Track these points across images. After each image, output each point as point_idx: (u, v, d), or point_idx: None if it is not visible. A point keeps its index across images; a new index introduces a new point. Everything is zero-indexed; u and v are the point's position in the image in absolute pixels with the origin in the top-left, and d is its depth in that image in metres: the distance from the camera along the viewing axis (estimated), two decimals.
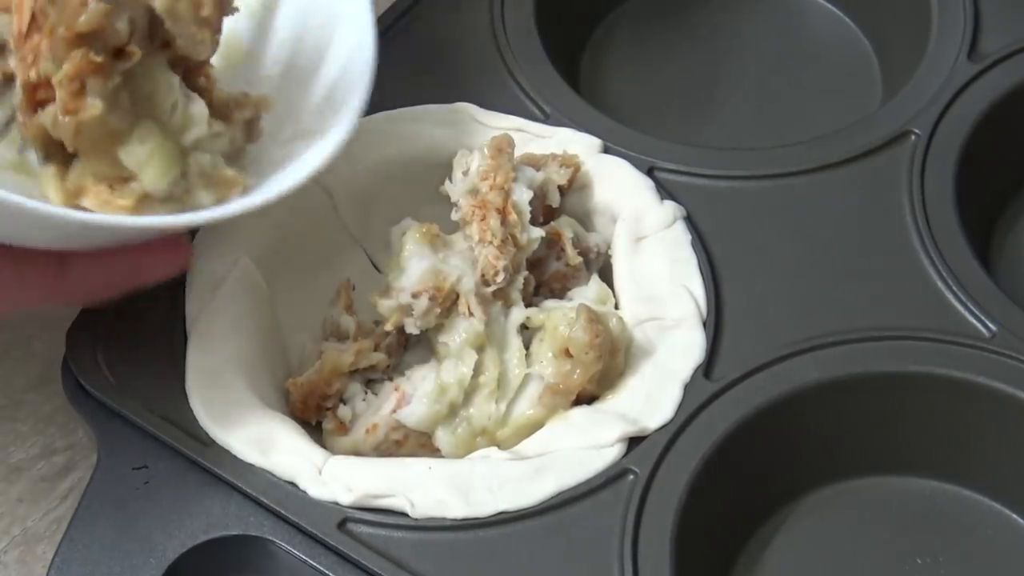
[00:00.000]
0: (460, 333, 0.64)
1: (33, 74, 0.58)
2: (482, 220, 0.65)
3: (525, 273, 0.66)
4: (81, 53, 0.57)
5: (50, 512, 0.69)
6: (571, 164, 0.70)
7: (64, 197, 0.60)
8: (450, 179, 0.68)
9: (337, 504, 0.61)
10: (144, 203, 0.59)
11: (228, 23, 0.61)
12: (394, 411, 0.64)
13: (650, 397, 0.63)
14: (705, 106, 0.81)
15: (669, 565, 0.59)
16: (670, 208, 0.69)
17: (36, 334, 0.74)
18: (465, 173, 0.67)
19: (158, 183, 0.59)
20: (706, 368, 0.64)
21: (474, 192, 0.66)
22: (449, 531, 0.60)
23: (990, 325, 0.65)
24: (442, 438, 0.64)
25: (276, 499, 0.61)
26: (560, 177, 0.69)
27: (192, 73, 0.62)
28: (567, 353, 0.63)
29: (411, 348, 0.67)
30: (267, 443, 0.62)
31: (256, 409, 0.63)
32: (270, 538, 0.61)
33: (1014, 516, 0.65)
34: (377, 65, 0.67)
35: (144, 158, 0.59)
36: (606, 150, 0.71)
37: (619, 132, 0.72)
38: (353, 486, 0.61)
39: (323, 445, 0.64)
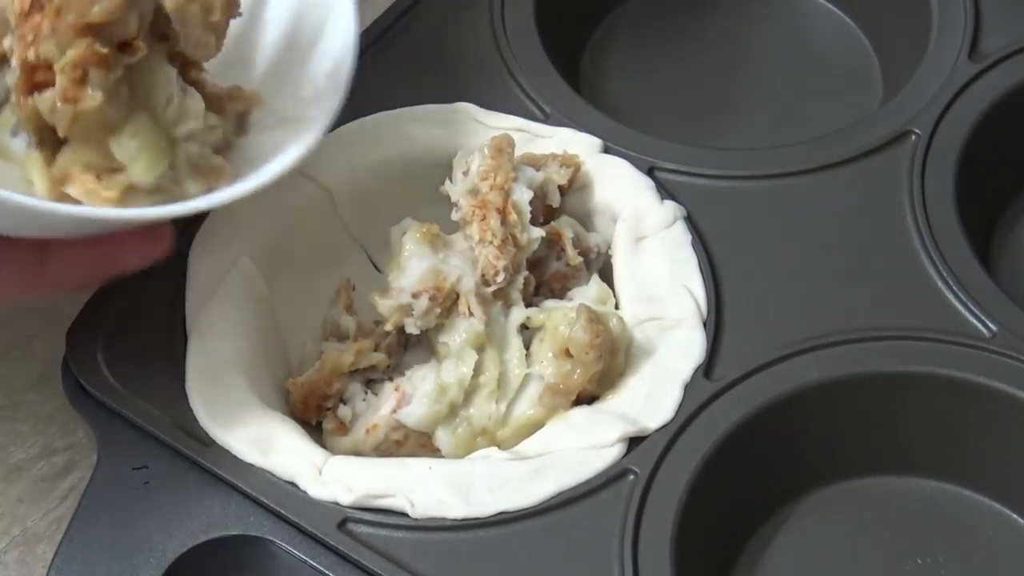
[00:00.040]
0: (460, 333, 0.64)
1: (32, 54, 0.57)
2: (482, 220, 0.65)
3: (525, 273, 0.66)
4: (87, 43, 0.57)
5: (50, 512, 0.69)
6: (571, 164, 0.70)
7: (50, 184, 0.59)
8: (450, 179, 0.68)
9: (337, 504, 0.61)
10: (130, 194, 0.59)
11: None
12: (394, 411, 0.64)
13: (650, 397, 0.63)
14: (705, 106, 0.81)
15: (669, 565, 0.59)
16: (670, 208, 0.69)
17: (36, 334, 0.74)
18: (465, 173, 0.67)
19: (145, 176, 0.59)
20: (706, 368, 0.64)
21: (474, 192, 0.66)
22: (449, 531, 0.60)
23: (990, 325, 0.65)
24: (442, 438, 0.64)
25: (276, 499, 0.61)
26: (560, 177, 0.69)
27: (187, 66, 0.62)
28: (567, 353, 0.63)
29: (411, 348, 0.67)
30: (267, 443, 0.62)
31: (256, 409, 0.63)
32: (270, 538, 0.61)
33: (1014, 516, 0.65)
34: (359, 54, 0.67)
35: (135, 151, 0.59)
36: (606, 150, 0.71)
37: (619, 132, 0.72)
38: (353, 486, 0.61)
39: (323, 445, 0.64)
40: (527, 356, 0.64)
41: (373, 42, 0.76)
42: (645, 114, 0.78)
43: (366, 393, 0.65)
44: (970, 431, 0.64)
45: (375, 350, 0.65)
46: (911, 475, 0.66)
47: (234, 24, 0.63)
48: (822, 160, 0.71)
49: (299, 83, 0.66)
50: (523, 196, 0.66)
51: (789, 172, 0.71)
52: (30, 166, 0.60)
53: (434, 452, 0.64)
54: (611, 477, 0.61)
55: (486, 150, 0.67)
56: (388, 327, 0.65)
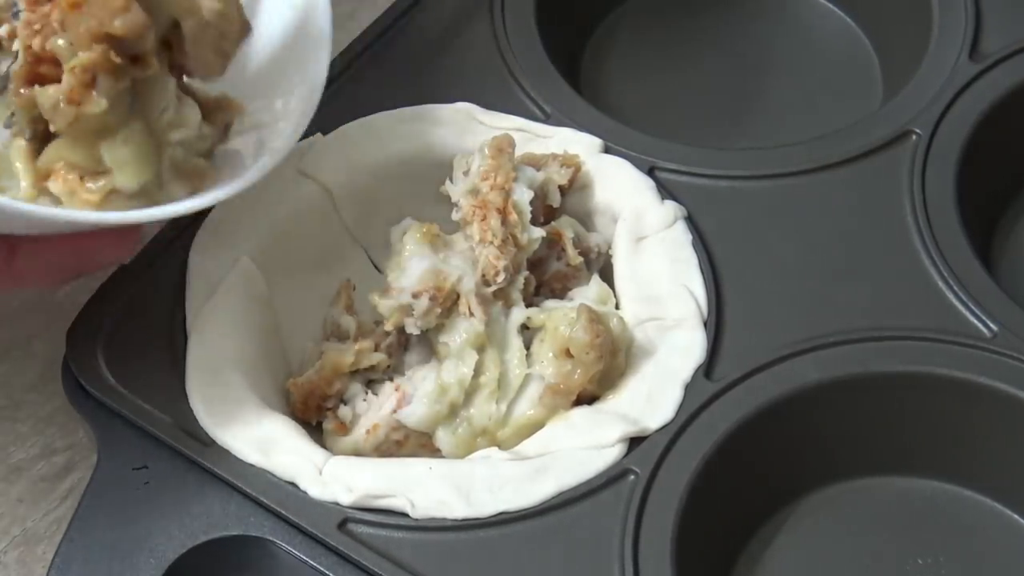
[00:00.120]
0: (460, 333, 0.64)
1: (37, 43, 0.57)
2: (483, 220, 0.65)
3: (526, 273, 0.66)
4: (103, 49, 0.56)
5: (50, 512, 0.69)
6: (572, 164, 0.70)
7: (33, 178, 0.59)
8: (451, 179, 0.68)
9: (337, 504, 0.61)
10: (111, 198, 0.59)
11: None
12: (395, 411, 0.64)
13: (651, 397, 0.63)
14: (706, 106, 0.81)
15: (670, 565, 0.59)
16: (671, 208, 0.69)
17: (36, 334, 0.74)
18: (466, 173, 0.67)
19: (130, 183, 0.59)
20: (707, 368, 0.64)
21: (475, 192, 0.66)
22: (450, 531, 0.60)
23: (991, 325, 0.65)
24: (443, 438, 0.64)
25: (276, 499, 0.61)
26: (561, 177, 0.69)
27: (184, 73, 0.62)
28: (568, 353, 0.63)
29: (411, 348, 0.67)
30: (267, 443, 0.62)
31: (256, 409, 0.63)
32: (270, 538, 0.61)
33: (1015, 516, 0.65)
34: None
35: (125, 158, 0.58)
36: (607, 150, 0.71)
37: (620, 132, 0.72)
38: (353, 486, 0.61)
39: (323, 445, 0.64)
40: (527, 356, 0.64)
41: (373, 42, 0.76)
42: (645, 114, 0.78)
43: (366, 393, 0.65)
44: (971, 431, 0.64)
45: (375, 350, 0.65)
46: (912, 475, 0.66)
47: None
48: (823, 160, 0.71)
49: (272, 88, 0.66)
50: (523, 196, 0.66)
51: (790, 172, 0.71)
52: (14, 155, 0.60)
53: (434, 452, 0.64)
54: (612, 477, 0.61)
55: (486, 150, 0.67)
56: (388, 327, 0.65)
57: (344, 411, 0.65)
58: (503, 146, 0.67)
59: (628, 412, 0.63)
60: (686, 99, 0.81)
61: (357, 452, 0.64)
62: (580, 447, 0.62)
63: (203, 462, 0.62)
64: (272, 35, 0.66)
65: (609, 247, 0.69)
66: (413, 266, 0.64)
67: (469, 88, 0.74)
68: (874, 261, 0.67)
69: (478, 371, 0.64)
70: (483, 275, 0.64)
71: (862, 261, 0.68)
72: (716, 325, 0.65)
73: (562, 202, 0.69)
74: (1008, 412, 0.63)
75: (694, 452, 0.62)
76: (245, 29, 0.62)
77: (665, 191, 0.70)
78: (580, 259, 0.68)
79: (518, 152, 0.68)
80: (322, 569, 0.60)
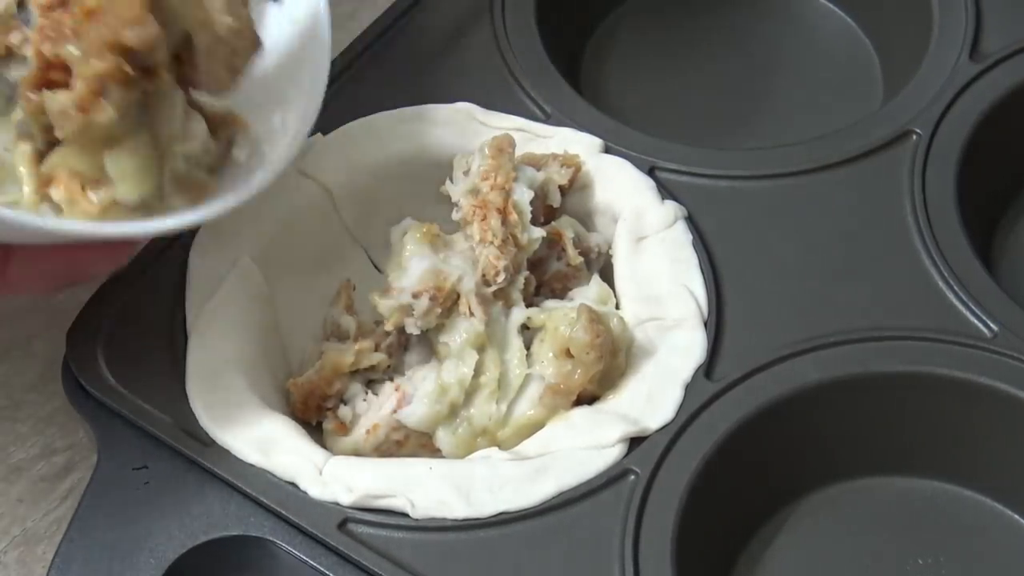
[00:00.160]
0: (461, 333, 0.64)
1: (48, 49, 0.57)
2: (483, 220, 0.65)
3: (526, 273, 0.66)
4: (115, 59, 0.56)
5: (50, 512, 0.69)
6: (572, 164, 0.70)
7: (36, 183, 0.59)
8: (451, 179, 0.68)
9: (338, 504, 0.61)
10: (111, 209, 0.58)
11: None
12: (395, 411, 0.64)
13: (651, 397, 0.63)
14: (706, 106, 0.81)
15: (670, 565, 0.59)
16: (671, 208, 0.69)
17: (36, 334, 0.74)
18: (466, 173, 0.67)
19: (131, 195, 0.58)
20: (707, 368, 0.64)
21: (475, 192, 0.66)
22: (450, 531, 0.60)
23: (992, 325, 0.65)
24: (443, 438, 0.64)
25: (276, 499, 0.61)
26: (561, 177, 0.69)
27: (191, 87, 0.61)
28: (568, 353, 0.63)
29: (412, 348, 0.67)
30: (268, 443, 0.62)
31: (257, 409, 0.63)
32: (270, 538, 0.60)
33: (1015, 517, 0.65)
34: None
35: (128, 170, 0.58)
36: (607, 150, 0.71)
37: (620, 132, 0.72)
38: (354, 486, 0.61)
39: (323, 445, 0.64)
40: (528, 356, 0.64)
41: (373, 42, 0.76)
42: (646, 114, 0.78)
43: (366, 393, 0.65)
44: (971, 431, 0.64)
45: (375, 350, 0.65)
46: (912, 475, 0.66)
47: None
48: (823, 160, 0.71)
49: (271, 102, 0.66)
50: (524, 196, 0.66)
51: (790, 172, 0.71)
52: (18, 159, 0.59)
53: (435, 452, 0.64)
54: (612, 477, 0.61)
55: (487, 150, 0.67)
56: (388, 327, 0.65)
57: (344, 411, 0.65)
58: (503, 146, 0.67)
59: (628, 412, 0.63)
60: (686, 99, 0.81)
61: (357, 452, 0.64)
62: (580, 447, 0.62)
63: (203, 462, 0.62)
64: (272, 49, 0.66)
65: (609, 247, 0.69)
66: (413, 266, 0.64)
67: (469, 88, 0.74)
68: (874, 261, 0.67)
69: (478, 371, 0.64)
70: (483, 275, 0.64)
71: (862, 261, 0.68)
72: (716, 325, 0.65)
73: (562, 202, 0.69)
74: (1008, 412, 0.63)
75: (694, 452, 0.62)
76: (256, 45, 0.62)
77: (665, 191, 0.70)
78: (580, 259, 0.68)
79: (518, 152, 0.68)
80: (322, 569, 0.60)
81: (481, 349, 0.64)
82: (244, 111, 0.64)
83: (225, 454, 0.62)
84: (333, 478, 0.61)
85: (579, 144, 0.71)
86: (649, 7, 0.85)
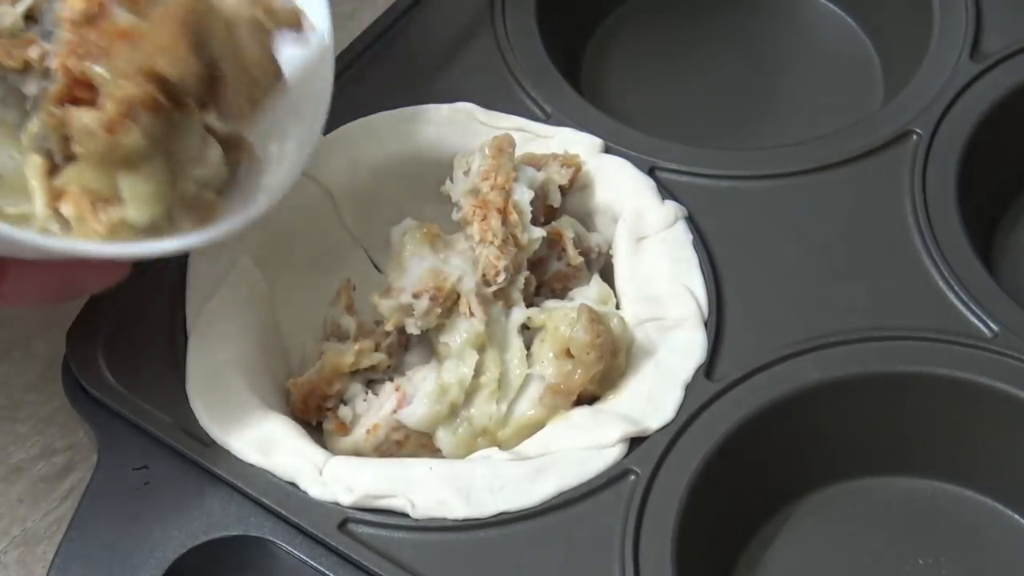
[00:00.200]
0: (461, 333, 0.64)
1: (75, 64, 0.56)
2: (483, 220, 0.65)
3: (526, 273, 0.66)
4: (148, 85, 0.56)
5: (50, 513, 0.69)
6: (572, 164, 0.70)
7: (48, 197, 0.58)
8: (451, 179, 0.68)
9: (338, 504, 0.61)
10: (118, 228, 0.58)
11: None
12: (395, 411, 0.64)
13: (651, 397, 0.63)
14: (706, 106, 0.81)
15: (670, 565, 0.59)
16: (671, 208, 0.69)
17: (36, 334, 0.74)
18: (466, 173, 0.67)
19: (141, 218, 0.58)
20: (707, 368, 0.64)
21: (475, 192, 0.66)
22: (450, 531, 0.60)
23: (992, 325, 0.64)
24: (443, 438, 0.64)
25: (277, 499, 0.61)
26: (561, 177, 0.69)
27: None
28: (568, 353, 0.63)
29: (412, 348, 0.67)
30: (268, 444, 0.62)
31: (257, 409, 0.63)
32: (271, 539, 0.60)
33: (1016, 517, 0.65)
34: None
35: (142, 193, 0.57)
36: (607, 150, 0.71)
37: (620, 132, 0.72)
38: (354, 486, 0.61)
39: (324, 446, 0.64)
40: (528, 356, 0.64)
41: (373, 42, 0.76)
42: (646, 114, 0.78)
43: (367, 393, 0.65)
44: (972, 431, 0.64)
45: (376, 350, 0.65)
46: (912, 475, 0.66)
47: None
48: (823, 160, 0.71)
49: (273, 128, 0.66)
50: (524, 196, 0.66)
51: (790, 172, 0.71)
52: (29, 172, 0.59)
53: (435, 452, 0.64)
54: (612, 477, 0.61)
55: (487, 150, 0.67)
56: (389, 327, 0.65)
57: (344, 411, 0.65)
58: (503, 146, 0.67)
59: (629, 412, 0.63)
60: (686, 99, 0.81)
61: (357, 452, 0.64)
62: (581, 447, 0.62)
63: (203, 462, 0.62)
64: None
65: (609, 247, 0.69)
66: (413, 266, 0.64)
67: (469, 88, 0.74)
68: (875, 261, 0.67)
69: (478, 371, 0.64)
70: (483, 275, 0.64)
71: (863, 261, 0.68)
72: (716, 325, 0.65)
73: (562, 202, 0.69)
74: (1009, 412, 0.63)
75: (695, 452, 0.62)
76: (278, 78, 0.61)
77: (665, 191, 0.70)
78: (580, 259, 0.68)
79: (518, 152, 0.68)
80: (322, 569, 0.60)
81: (481, 349, 0.64)
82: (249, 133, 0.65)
83: (225, 454, 0.62)
84: (333, 478, 0.61)
85: (579, 144, 0.71)
86: (649, 7, 0.85)
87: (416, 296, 0.64)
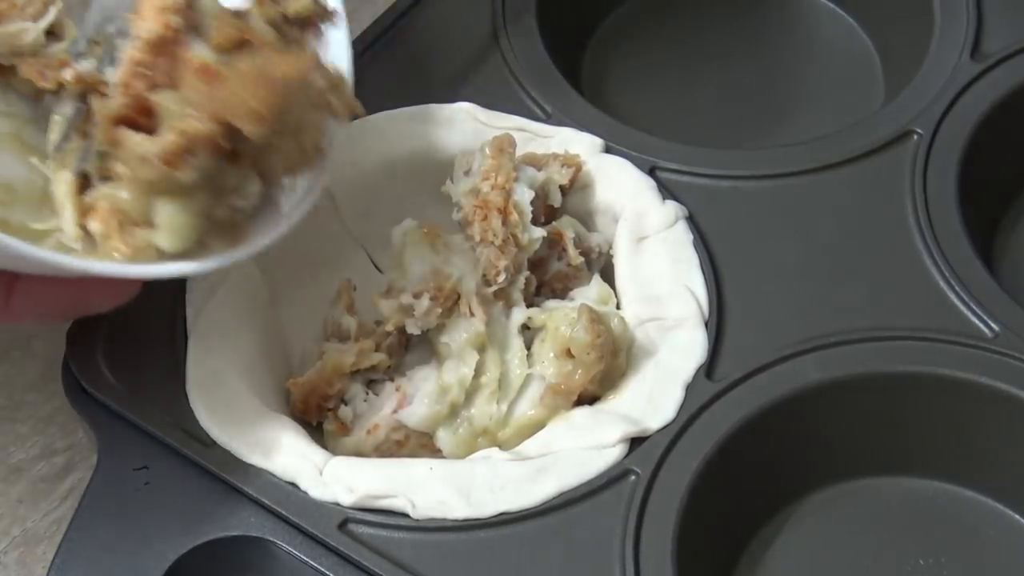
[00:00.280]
0: (461, 333, 0.64)
1: (140, 86, 0.56)
2: (483, 220, 0.65)
3: (526, 273, 0.66)
4: (217, 129, 0.56)
5: (50, 513, 0.69)
6: (572, 164, 0.69)
7: (77, 213, 0.58)
8: (451, 179, 0.68)
9: (338, 505, 0.61)
10: (142, 251, 0.58)
11: None
12: (395, 411, 0.64)
13: (652, 397, 0.63)
14: (707, 106, 0.81)
15: (671, 566, 0.59)
16: (672, 208, 0.69)
17: (36, 334, 0.74)
18: (466, 173, 0.67)
19: (172, 247, 0.58)
20: (708, 368, 0.64)
21: (475, 192, 0.66)
22: (450, 532, 0.60)
23: (993, 325, 0.64)
24: (443, 438, 0.64)
25: (277, 500, 0.61)
26: (561, 177, 0.69)
27: None
28: (568, 353, 0.63)
29: (412, 348, 0.67)
30: (268, 444, 0.62)
31: (257, 410, 0.63)
32: (271, 539, 0.60)
33: (1016, 517, 0.65)
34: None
35: (178, 224, 0.57)
36: (608, 150, 0.71)
37: (621, 132, 0.72)
38: (354, 487, 0.61)
39: (324, 446, 0.64)
40: (528, 356, 0.64)
41: (373, 42, 0.76)
42: (646, 114, 0.78)
43: (367, 393, 0.65)
44: (972, 431, 0.64)
45: (376, 350, 0.65)
46: (913, 475, 0.66)
47: None
48: (824, 160, 0.71)
49: None
50: (524, 196, 0.66)
51: (791, 172, 0.71)
52: (58, 188, 0.58)
53: (435, 452, 0.64)
54: (612, 478, 0.61)
55: (487, 150, 0.67)
56: (389, 327, 0.65)
57: (345, 411, 0.65)
58: (504, 146, 0.67)
59: (629, 412, 0.63)
60: (687, 99, 0.81)
61: (358, 452, 0.64)
62: (581, 447, 0.62)
63: (203, 463, 0.62)
64: None
65: (610, 247, 0.69)
66: (414, 266, 0.64)
67: (470, 88, 0.74)
68: (875, 261, 0.67)
69: (479, 371, 0.63)
70: (484, 275, 0.64)
71: (863, 261, 0.67)
72: (717, 325, 0.65)
73: (563, 202, 0.69)
74: (1010, 412, 0.63)
75: (695, 452, 0.61)
76: (323, 157, 0.62)
77: (666, 191, 0.70)
78: (581, 259, 0.68)
79: (519, 152, 0.68)
80: (323, 569, 0.60)
81: (482, 349, 0.64)
82: None
83: (225, 454, 0.62)
84: (333, 478, 0.61)
85: (580, 144, 0.71)
86: (650, 7, 0.85)
87: (416, 296, 0.64)
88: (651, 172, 0.70)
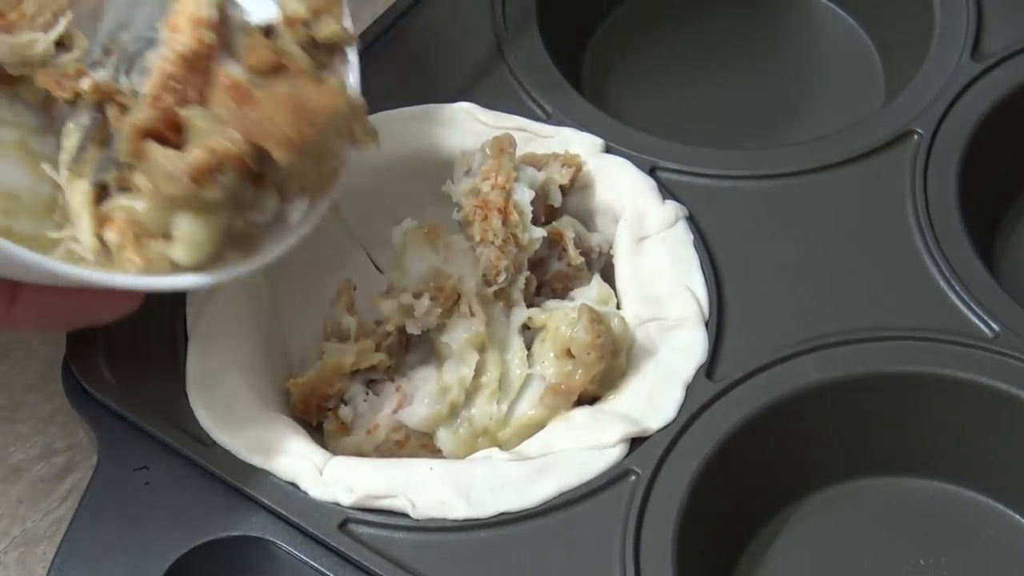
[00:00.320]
0: (462, 333, 0.64)
1: (170, 100, 0.56)
2: (484, 220, 0.65)
3: (527, 273, 0.66)
4: (248, 151, 0.56)
5: (50, 513, 0.69)
6: (573, 164, 0.69)
7: (94, 223, 0.57)
8: (452, 179, 0.68)
9: (338, 505, 0.61)
10: (156, 263, 0.57)
11: None
12: (395, 411, 0.64)
13: (652, 397, 0.63)
14: (707, 106, 0.81)
15: (671, 566, 0.59)
16: (672, 208, 0.69)
17: (36, 334, 0.74)
18: (467, 173, 0.67)
19: (188, 261, 0.57)
20: (708, 368, 0.64)
21: (475, 192, 0.66)
22: (450, 532, 0.60)
23: (993, 325, 0.64)
24: (443, 438, 0.64)
25: (277, 500, 0.61)
26: (562, 177, 0.69)
27: None
28: (569, 353, 0.63)
29: (413, 348, 0.67)
30: (268, 444, 0.62)
31: (257, 410, 0.63)
32: (271, 539, 0.60)
33: (1017, 517, 0.65)
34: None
35: (196, 239, 0.57)
36: (608, 150, 0.71)
37: (621, 132, 0.72)
38: (354, 487, 0.61)
39: (324, 446, 0.64)
40: (528, 356, 0.64)
41: (373, 42, 0.76)
42: (647, 114, 0.78)
43: (367, 393, 0.65)
44: (973, 432, 0.64)
45: (376, 350, 0.65)
46: (913, 476, 0.66)
47: None
48: (824, 160, 0.71)
49: None
50: (524, 196, 0.66)
51: (791, 172, 0.71)
52: (74, 198, 0.58)
53: (435, 453, 0.64)
54: (613, 478, 0.61)
55: (487, 150, 0.67)
56: (389, 327, 0.65)
57: (345, 411, 0.65)
58: (504, 146, 0.67)
59: (629, 412, 0.63)
60: (687, 99, 0.81)
61: (358, 452, 0.64)
62: (581, 447, 0.62)
63: (203, 463, 0.62)
64: None
65: (610, 247, 0.69)
66: (414, 266, 0.64)
67: (469, 88, 0.74)
68: (876, 261, 0.67)
69: (479, 371, 0.63)
70: (484, 275, 0.64)
71: (863, 261, 0.67)
72: (717, 325, 0.65)
73: (563, 202, 0.69)
74: (1010, 412, 0.63)
75: (695, 452, 0.61)
76: (340, 182, 0.62)
77: (666, 191, 0.70)
78: (581, 259, 0.68)
79: (519, 152, 0.68)
80: (323, 570, 0.59)
81: (482, 349, 0.64)
82: None
83: (225, 454, 0.62)
84: (334, 478, 0.61)
85: (580, 144, 0.71)
86: (650, 7, 0.85)
87: (417, 296, 0.64)
88: (651, 172, 0.70)
